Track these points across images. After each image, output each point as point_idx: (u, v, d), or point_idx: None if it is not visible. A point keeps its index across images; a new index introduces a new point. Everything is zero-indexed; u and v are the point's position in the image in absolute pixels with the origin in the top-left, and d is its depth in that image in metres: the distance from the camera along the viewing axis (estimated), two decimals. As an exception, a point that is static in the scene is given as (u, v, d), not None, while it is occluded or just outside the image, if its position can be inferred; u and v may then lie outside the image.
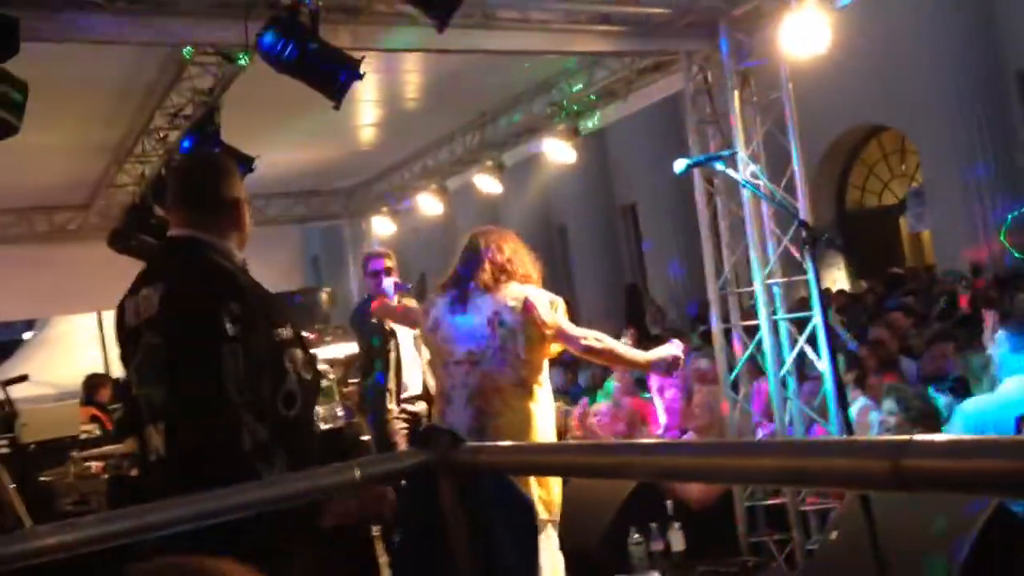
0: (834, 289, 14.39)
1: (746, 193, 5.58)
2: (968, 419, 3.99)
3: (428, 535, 2.36)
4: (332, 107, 4.58)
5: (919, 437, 1.08)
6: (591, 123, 7.09)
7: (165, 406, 2.50)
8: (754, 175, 4.35)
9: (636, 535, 5.35)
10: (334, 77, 4.47)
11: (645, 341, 9.97)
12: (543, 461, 2.22)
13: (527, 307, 3.84)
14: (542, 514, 3.64)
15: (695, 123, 6.00)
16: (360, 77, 4.54)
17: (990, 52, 12.83)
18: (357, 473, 2.33)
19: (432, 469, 2.35)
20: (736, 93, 5.69)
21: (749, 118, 5.73)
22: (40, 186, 8.75)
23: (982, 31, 12.84)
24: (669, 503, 5.52)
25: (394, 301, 5.68)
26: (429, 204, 9.20)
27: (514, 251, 4.03)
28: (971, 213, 12.84)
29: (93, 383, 9.65)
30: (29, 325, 19.61)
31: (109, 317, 10.04)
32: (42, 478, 5.24)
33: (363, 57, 4.61)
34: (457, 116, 8.39)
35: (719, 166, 4.01)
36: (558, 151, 7.40)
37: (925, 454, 1.09)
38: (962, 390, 4.88)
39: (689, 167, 4.13)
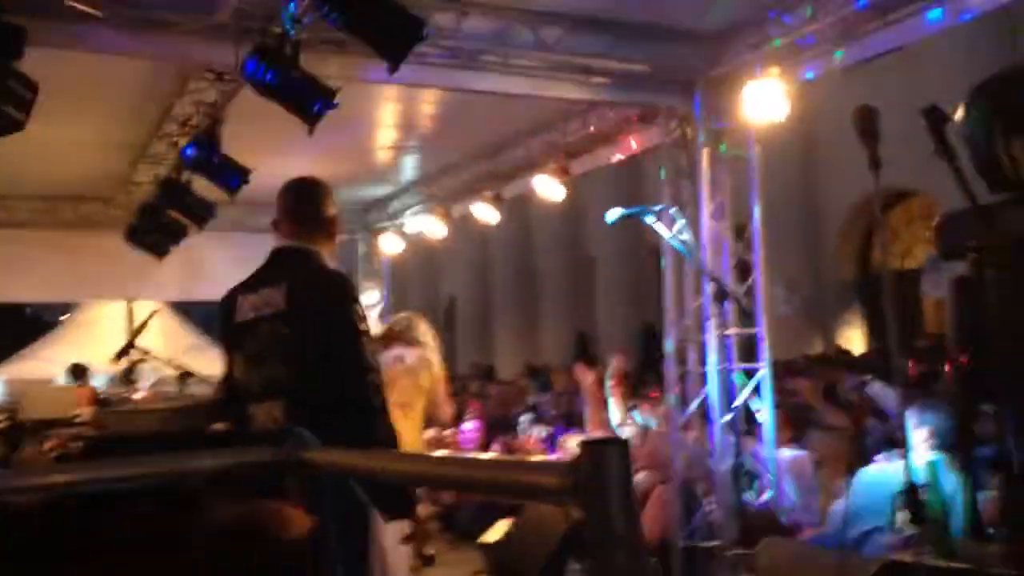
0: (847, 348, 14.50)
1: (707, 247, 5.82)
2: (858, 483, 4.17)
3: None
4: (307, 132, 4.92)
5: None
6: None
7: (289, 383, 3.07)
8: (683, 230, 4.59)
9: (575, 565, 5.56)
10: (310, 104, 4.80)
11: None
12: (369, 465, 2.47)
13: None
14: None
15: (670, 175, 6.25)
16: (334, 106, 4.87)
17: None
18: (209, 463, 2.63)
19: (280, 466, 2.64)
20: (706, 151, 5.94)
21: (717, 175, 5.98)
22: (68, 177, 9.25)
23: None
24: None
25: None
26: (433, 227, 9.52)
27: None
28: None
29: (79, 370, 10.29)
30: (66, 308, 20.29)
31: (138, 306, 10.30)
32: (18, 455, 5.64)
33: (339, 87, 4.94)
34: (464, 147, 8.73)
35: (649, 219, 4.26)
36: (548, 188, 7.67)
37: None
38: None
39: (621, 218, 4.39)
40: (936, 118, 2.50)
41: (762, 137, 5.87)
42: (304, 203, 3.34)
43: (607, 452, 1.31)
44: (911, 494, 2.58)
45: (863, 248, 16.30)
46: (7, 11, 4.54)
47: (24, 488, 2.30)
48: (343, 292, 3.17)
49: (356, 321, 3.12)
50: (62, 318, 20.10)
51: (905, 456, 2.74)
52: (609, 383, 7.05)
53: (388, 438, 3.08)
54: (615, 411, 7.04)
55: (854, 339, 15.62)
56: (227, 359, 3.38)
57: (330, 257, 3.35)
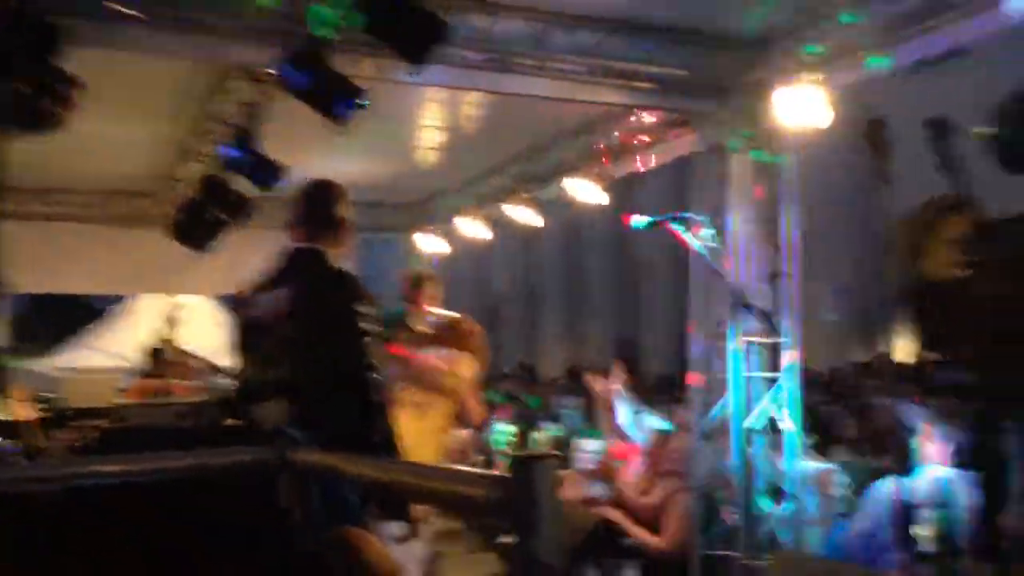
0: (898, 358, 14.16)
1: (734, 254, 5.78)
2: (870, 498, 4.10)
3: (267, 520, 2.71)
4: (337, 132, 4.97)
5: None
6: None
7: (295, 382, 3.14)
8: (712, 238, 4.56)
9: (592, 570, 5.57)
10: (337, 105, 4.86)
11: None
12: (347, 468, 2.49)
13: None
14: None
15: (701, 181, 6.21)
16: (362, 107, 4.91)
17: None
18: (196, 462, 2.70)
19: (272, 465, 2.70)
20: (737, 157, 5.89)
21: (748, 182, 5.92)
22: (120, 173, 9.48)
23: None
24: (628, 541, 5.72)
25: None
26: (473, 229, 9.54)
27: None
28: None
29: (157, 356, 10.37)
30: (115, 299, 20.62)
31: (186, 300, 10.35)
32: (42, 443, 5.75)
33: (367, 88, 4.98)
34: (506, 149, 8.75)
35: (675, 226, 4.23)
36: (584, 191, 7.65)
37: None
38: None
39: (648, 225, 4.38)
40: (939, 131, 2.44)
41: (812, 143, 5.78)
42: (315, 205, 3.41)
43: (536, 468, 1.31)
44: (904, 516, 2.54)
45: (913, 255, 15.95)
46: (52, 13, 4.65)
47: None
48: (350, 293, 3.22)
49: (360, 321, 3.17)
50: (115, 307, 20.46)
51: (902, 473, 2.67)
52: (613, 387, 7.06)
53: (385, 436, 3.12)
54: (621, 414, 7.03)
55: (905, 347, 15.29)
56: (240, 357, 3.48)
57: (341, 258, 3.40)
